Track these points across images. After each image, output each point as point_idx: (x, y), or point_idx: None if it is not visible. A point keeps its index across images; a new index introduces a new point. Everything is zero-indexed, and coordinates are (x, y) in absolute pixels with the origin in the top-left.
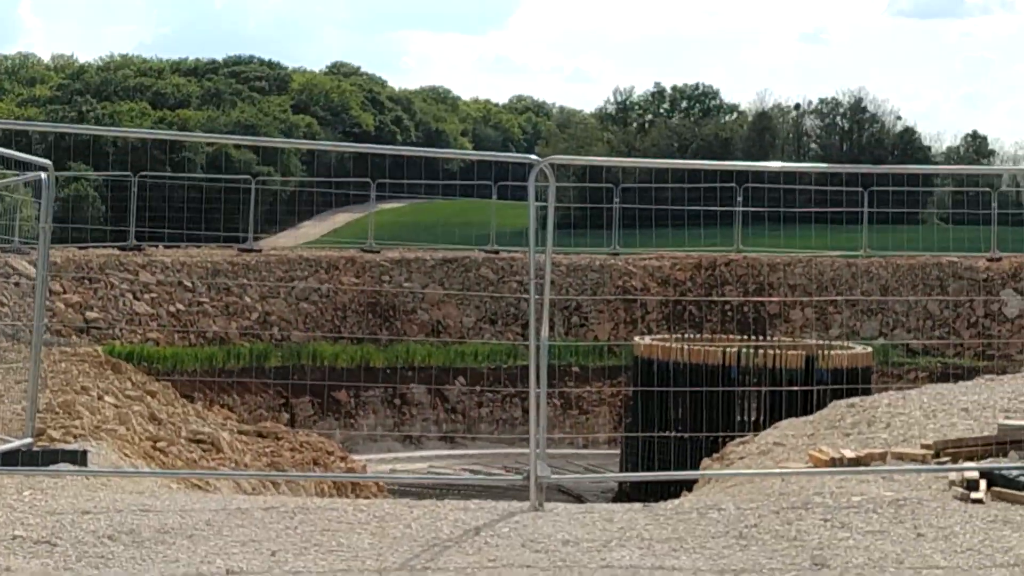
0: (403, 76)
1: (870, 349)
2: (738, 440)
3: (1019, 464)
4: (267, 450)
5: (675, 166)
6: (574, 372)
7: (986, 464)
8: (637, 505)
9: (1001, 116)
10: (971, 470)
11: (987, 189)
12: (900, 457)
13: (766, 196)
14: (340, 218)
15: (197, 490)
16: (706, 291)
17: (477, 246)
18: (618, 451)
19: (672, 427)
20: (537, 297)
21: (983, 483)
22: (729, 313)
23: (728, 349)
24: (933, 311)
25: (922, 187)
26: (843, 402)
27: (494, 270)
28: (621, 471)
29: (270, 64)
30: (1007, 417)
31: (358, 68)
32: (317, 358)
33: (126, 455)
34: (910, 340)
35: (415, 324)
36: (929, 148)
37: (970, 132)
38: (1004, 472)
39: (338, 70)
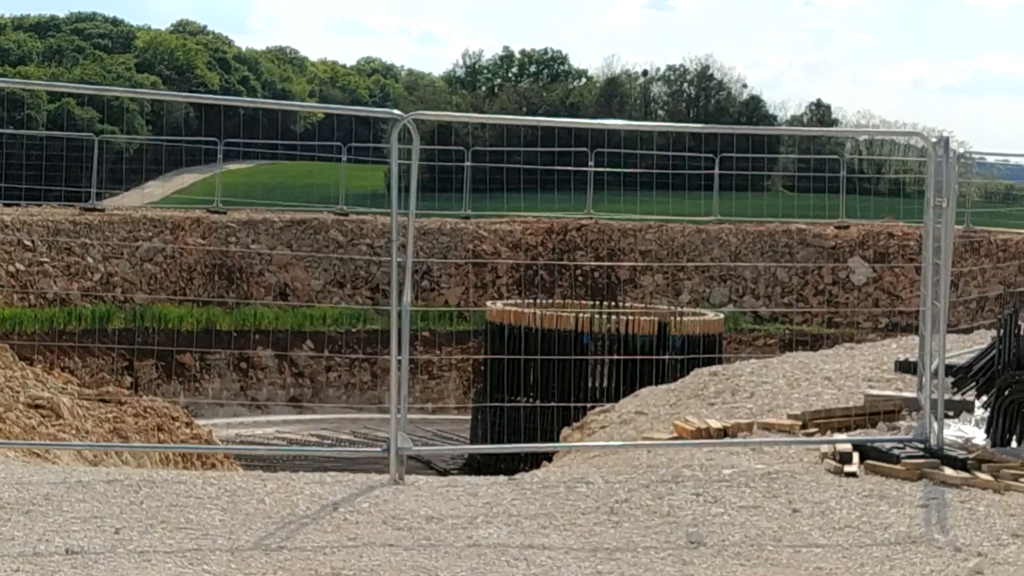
0: (250, 36)
1: (722, 316)
2: (598, 409)
3: (891, 436)
4: (110, 416)
5: (533, 123)
6: (424, 337)
7: (858, 436)
8: (502, 478)
9: (843, 84)
10: (843, 442)
11: (835, 156)
12: (767, 427)
13: (621, 160)
14: (186, 178)
15: (37, 459)
16: (557, 256)
17: (325, 208)
18: (468, 417)
19: (524, 393)
20: (399, 260)
21: (856, 456)
22: (580, 278)
23: (581, 315)
24: (782, 278)
25: (768, 153)
26: (705, 370)
27: (343, 232)
28: (472, 438)
29: (114, 21)
30: (870, 386)
31: (204, 27)
32: (161, 320)
33: None
34: (759, 307)
35: (262, 287)
36: (775, 117)
37: (814, 101)
38: (877, 445)
39: (183, 28)
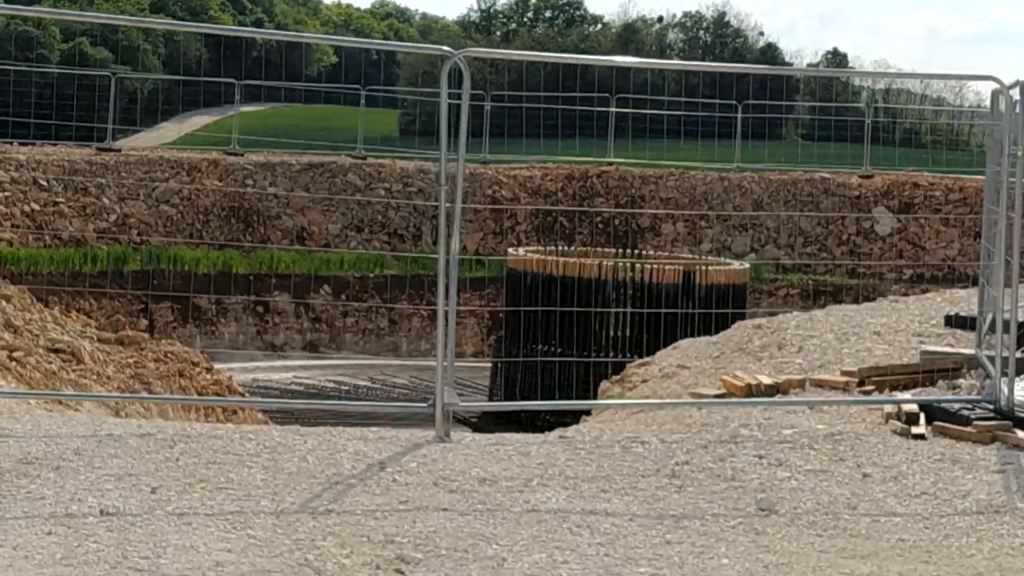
0: None
1: (747, 265)
2: (638, 361)
3: (958, 396)
4: (130, 361)
5: (580, 61)
6: None
7: (924, 396)
8: (552, 436)
9: (858, 33)
10: (909, 402)
11: (857, 105)
12: (820, 384)
13: (645, 105)
14: (200, 119)
15: (59, 407)
16: (578, 203)
17: (343, 151)
18: (486, 364)
19: (546, 342)
20: (448, 205)
21: (922, 416)
22: (600, 226)
23: (604, 263)
24: (805, 228)
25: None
26: (748, 323)
27: (361, 176)
28: (492, 387)
29: None
30: (922, 342)
31: None
32: (178, 263)
33: None
34: (781, 256)
35: (279, 230)
36: (791, 64)
37: (830, 50)
38: (945, 405)
39: None
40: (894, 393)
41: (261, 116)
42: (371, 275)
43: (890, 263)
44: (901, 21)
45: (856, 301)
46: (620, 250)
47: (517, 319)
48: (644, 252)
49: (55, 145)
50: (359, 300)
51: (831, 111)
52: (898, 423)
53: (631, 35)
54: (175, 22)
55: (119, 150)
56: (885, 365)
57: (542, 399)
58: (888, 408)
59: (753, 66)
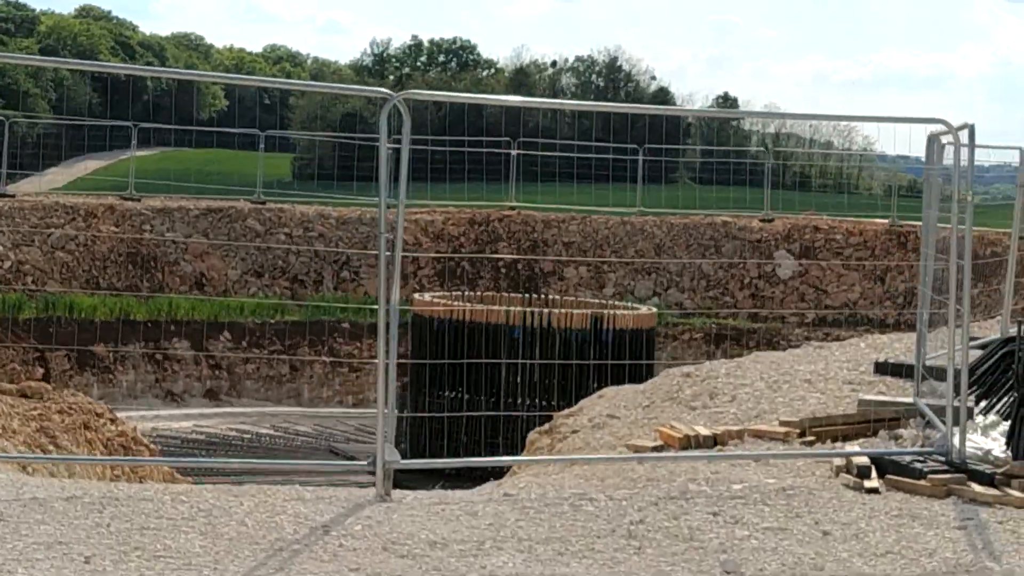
0: (154, 22)
1: (655, 310)
2: (565, 412)
3: (911, 449)
4: (34, 413)
5: (533, 104)
6: (344, 328)
7: (875, 448)
8: (495, 494)
9: (747, 78)
10: (859, 455)
11: (761, 149)
12: (759, 435)
13: (541, 150)
14: (88, 164)
15: None
16: (480, 247)
17: (241, 196)
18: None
19: (452, 389)
20: (387, 254)
21: (873, 470)
22: (504, 270)
23: (513, 309)
24: (707, 271)
25: (681, 145)
26: (676, 370)
27: (261, 221)
28: (398, 436)
29: (16, 5)
30: (853, 390)
31: (108, 12)
32: (74, 310)
33: None
34: (684, 300)
35: (178, 276)
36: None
37: (721, 94)
38: (895, 458)
39: (87, 13)
40: (837, 444)
41: (153, 160)
42: (271, 321)
43: (793, 305)
44: (788, 66)
45: (759, 345)
46: (527, 295)
47: (423, 366)
48: (548, 296)
49: None
50: (259, 347)
51: (728, 155)
52: (849, 476)
53: (523, 79)
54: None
55: (13, 195)
56: (824, 416)
57: (449, 447)
58: (837, 461)
59: (657, 109)
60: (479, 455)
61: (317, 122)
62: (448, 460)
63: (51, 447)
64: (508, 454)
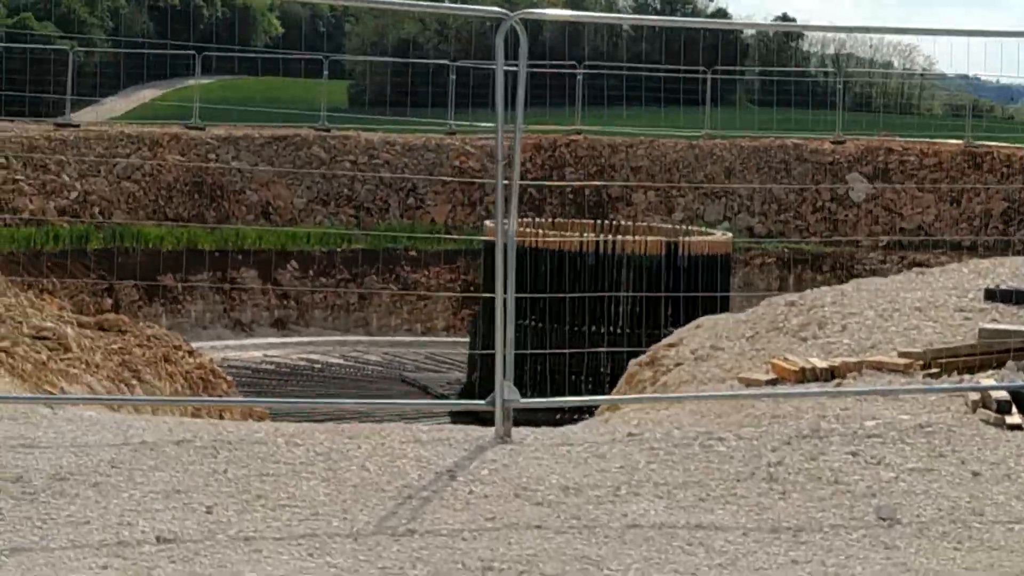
0: None
1: (729, 235)
2: (664, 342)
3: None
4: (115, 346)
5: (650, 22)
6: (410, 256)
7: (1015, 383)
8: (619, 433)
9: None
10: (997, 389)
11: (832, 70)
12: (878, 367)
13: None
14: (145, 94)
15: (68, 407)
16: (546, 173)
17: (304, 124)
18: (458, 339)
19: (527, 316)
20: (505, 182)
21: (1014, 405)
22: (571, 196)
23: (586, 236)
24: (778, 195)
25: (746, 66)
26: (779, 299)
27: (326, 149)
28: (471, 362)
29: None
30: (966, 318)
31: None
32: (141, 240)
33: None
34: (755, 224)
35: (244, 205)
36: (741, 31)
37: (779, 14)
38: None
39: None
40: (966, 377)
41: (212, 89)
42: (338, 249)
43: (866, 228)
44: None
45: (833, 269)
46: (597, 221)
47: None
48: (619, 223)
49: (11, 121)
50: (327, 275)
51: (789, 75)
52: (988, 412)
53: (580, 0)
54: None
55: (78, 125)
56: (945, 346)
57: (530, 375)
58: (972, 395)
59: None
60: (566, 389)
61: (369, 48)
62: (568, 399)
63: (135, 382)
64: (595, 385)
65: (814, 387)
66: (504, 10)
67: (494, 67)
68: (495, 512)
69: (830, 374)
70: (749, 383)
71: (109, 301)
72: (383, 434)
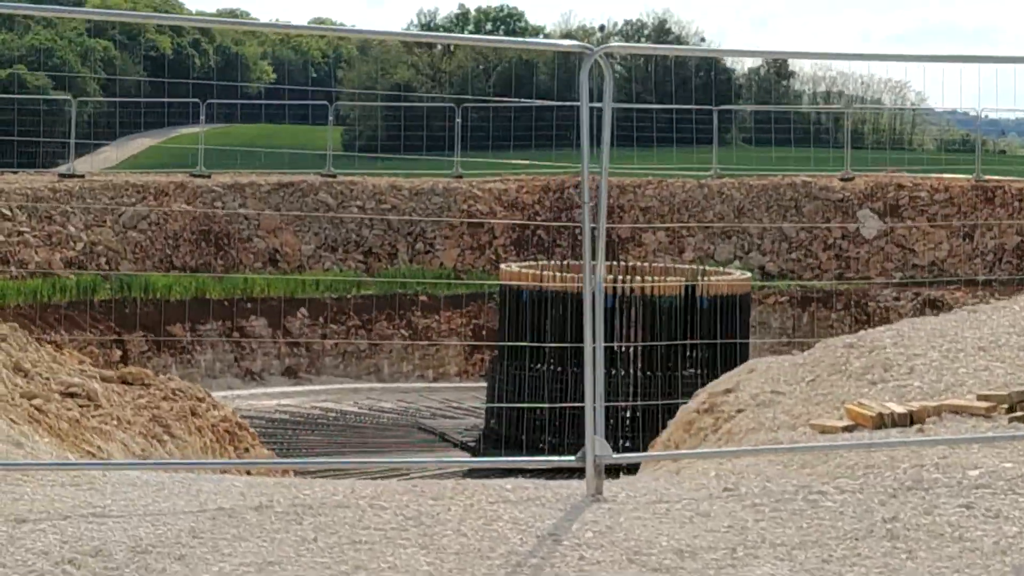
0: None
1: (748, 275)
2: (719, 388)
3: None
4: (143, 401)
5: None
6: (421, 301)
7: None
8: (713, 488)
9: (790, 36)
10: None
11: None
12: (957, 411)
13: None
14: (140, 142)
15: (94, 458)
16: (555, 214)
17: (312, 170)
18: (471, 384)
19: (543, 360)
20: (592, 226)
21: None
22: (579, 237)
23: (605, 277)
24: (789, 233)
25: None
26: (837, 341)
27: (332, 195)
28: (489, 411)
29: None
30: None
31: None
32: (149, 290)
33: (13, 421)
34: (766, 263)
35: (251, 252)
36: (733, 70)
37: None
38: None
39: None
40: None
41: (208, 137)
42: (348, 296)
43: (879, 264)
44: (832, 21)
45: (847, 307)
46: (613, 263)
47: (509, 337)
48: (626, 263)
49: (15, 172)
50: (337, 322)
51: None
52: None
53: None
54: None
55: (82, 176)
56: None
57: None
58: None
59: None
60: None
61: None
62: (660, 453)
63: (166, 437)
64: (619, 432)
65: (894, 433)
66: (587, 44)
67: (498, 104)
68: None
69: (909, 419)
70: (824, 430)
71: (118, 352)
72: (467, 494)
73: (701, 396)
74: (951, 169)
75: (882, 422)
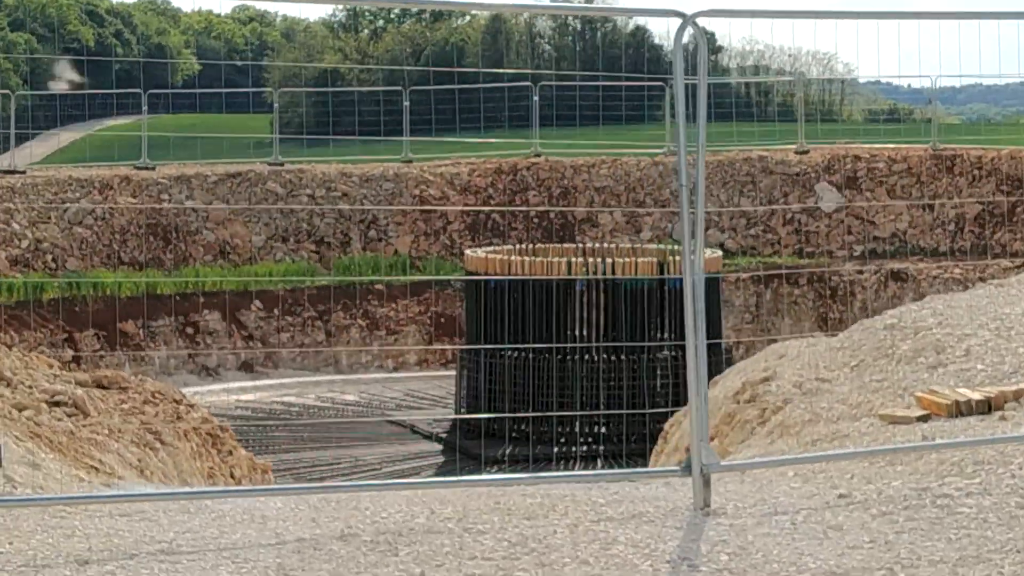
0: None
1: (720, 253)
2: (756, 375)
3: None
4: (126, 406)
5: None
6: (376, 290)
7: None
8: (828, 496)
9: (714, 5)
10: None
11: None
12: None
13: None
14: (63, 137)
15: (94, 472)
16: (509, 197)
17: (257, 159)
18: (433, 372)
19: (520, 348)
20: (691, 211)
21: None
22: (535, 220)
23: (574, 259)
24: (747, 209)
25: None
26: (876, 322)
27: (281, 183)
28: (457, 396)
29: None
30: None
31: None
32: (99, 288)
33: (19, 438)
34: (725, 240)
35: (201, 245)
36: (661, 47)
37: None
38: None
39: None
40: None
41: (132, 128)
42: (302, 287)
43: (839, 238)
44: None
45: (810, 283)
46: (579, 246)
47: (479, 325)
48: (583, 243)
49: None
50: (292, 314)
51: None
52: None
53: (500, 25)
54: None
55: (24, 172)
56: None
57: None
58: None
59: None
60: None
61: (281, 83)
62: (778, 457)
63: (158, 445)
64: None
65: (973, 421)
66: (680, 10)
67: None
68: None
69: (988, 406)
70: (895, 420)
71: (70, 352)
72: (559, 510)
73: (733, 384)
74: (905, 141)
75: (959, 410)
